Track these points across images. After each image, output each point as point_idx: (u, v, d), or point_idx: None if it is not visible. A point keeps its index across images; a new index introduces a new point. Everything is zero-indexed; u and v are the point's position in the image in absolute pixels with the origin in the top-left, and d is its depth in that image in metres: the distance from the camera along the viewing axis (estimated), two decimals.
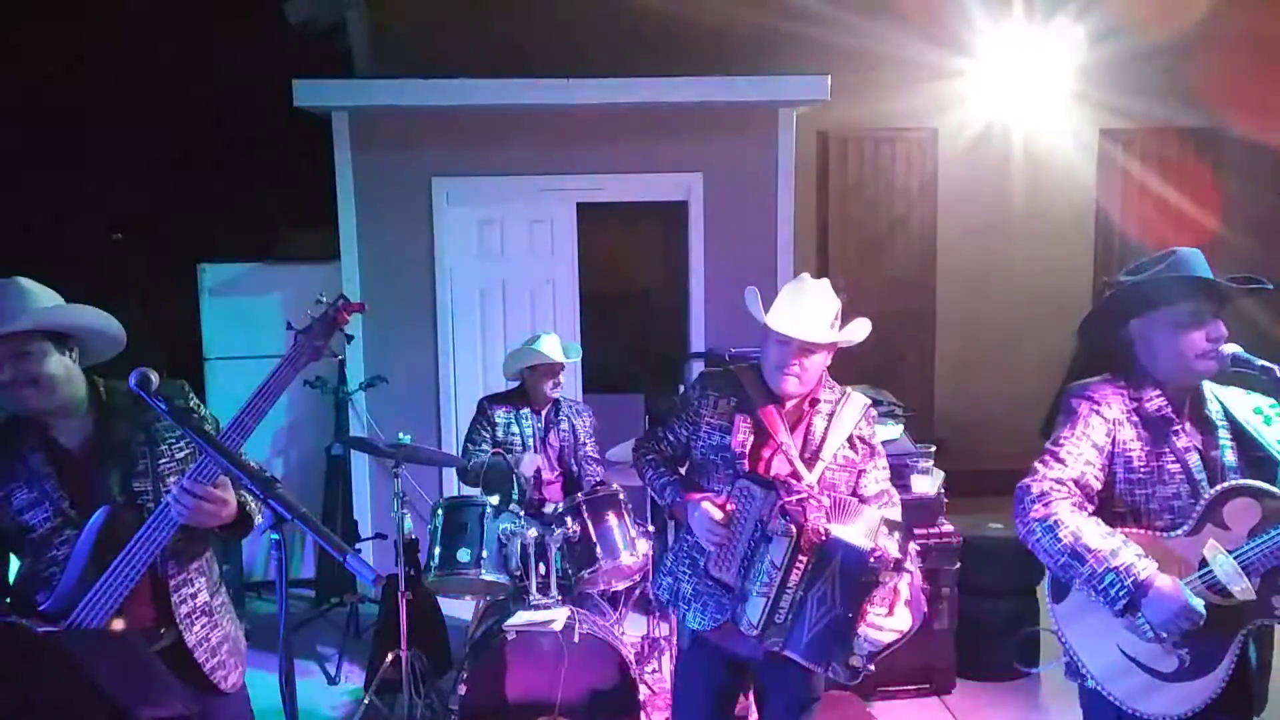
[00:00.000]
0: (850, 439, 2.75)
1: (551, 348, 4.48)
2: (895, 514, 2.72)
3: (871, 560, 2.48)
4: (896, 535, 2.55)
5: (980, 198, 7.42)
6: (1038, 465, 2.45)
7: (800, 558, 2.54)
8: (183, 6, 7.44)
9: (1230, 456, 2.40)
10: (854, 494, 2.75)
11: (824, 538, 2.53)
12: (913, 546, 2.65)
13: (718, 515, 2.65)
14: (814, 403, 2.78)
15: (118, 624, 2.27)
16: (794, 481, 2.64)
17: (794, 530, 2.53)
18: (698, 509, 2.67)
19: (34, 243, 6.96)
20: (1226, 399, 2.47)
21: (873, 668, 2.56)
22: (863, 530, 2.54)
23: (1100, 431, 2.42)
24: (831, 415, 2.76)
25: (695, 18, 6.70)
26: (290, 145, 6.44)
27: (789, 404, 2.76)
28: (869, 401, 2.85)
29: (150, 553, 2.25)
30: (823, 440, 2.73)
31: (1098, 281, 7.60)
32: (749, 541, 2.60)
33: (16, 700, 1.96)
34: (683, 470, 2.94)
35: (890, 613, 2.51)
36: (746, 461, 2.71)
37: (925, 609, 2.66)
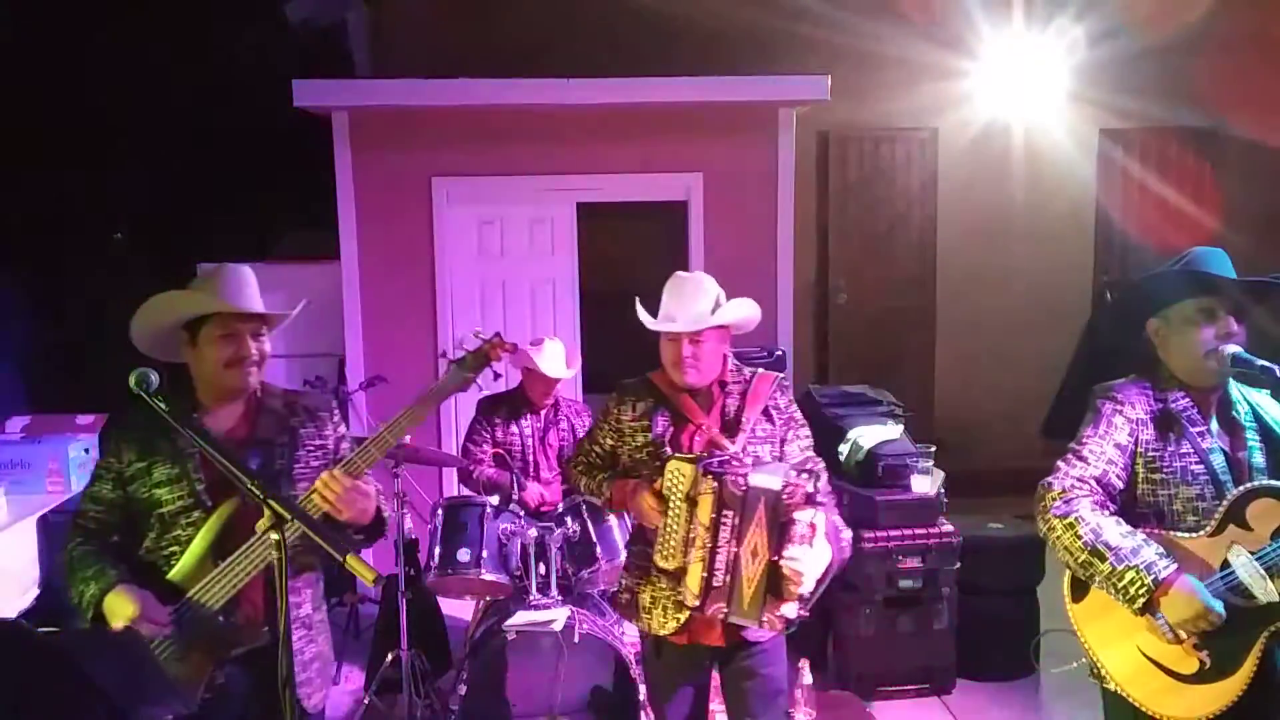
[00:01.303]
0: (766, 411, 2.86)
1: (553, 358, 4.39)
2: (821, 481, 2.82)
3: (784, 497, 2.57)
4: (805, 476, 2.67)
5: (980, 198, 7.42)
6: (1060, 464, 2.47)
7: (726, 512, 2.62)
8: (183, 6, 7.44)
9: (1259, 458, 2.39)
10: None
11: (744, 488, 2.60)
12: (825, 487, 2.76)
13: (652, 496, 2.73)
14: (723, 385, 2.89)
15: (118, 624, 2.27)
16: (717, 451, 2.74)
17: (716, 486, 2.62)
18: (634, 490, 2.78)
19: (35, 242, 6.96)
20: (1257, 401, 2.46)
21: (806, 612, 2.66)
22: (777, 474, 2.64)
23: (1123, 431, 2.42)
24: (744, 393, 2.86)
25: (695, 18, 6.71)
26: (290, 145, 6.44)
27: (699, 392, 2.87)
28: (779, 375, 2.95)
29: (268, 552, 2.25)
30: (738, 414, 2.83)
31: (1098, 281, 7.60)
32: (685, 518, 2.67)
33: (16, 700, 1.96)
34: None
35: (810, 546, 2.58)
36: (669, 448, 2.81)
37: (845, 546, 2.75)
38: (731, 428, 2.81)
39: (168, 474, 2.37)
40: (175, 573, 2.33)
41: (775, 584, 2.58)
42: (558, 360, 4.41)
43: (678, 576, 2.69)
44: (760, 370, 2.95)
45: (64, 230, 7.27)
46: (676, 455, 2.74)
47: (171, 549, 2.36)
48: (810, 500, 2.61)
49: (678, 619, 2.77)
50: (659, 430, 2.83)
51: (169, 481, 2.37)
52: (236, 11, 7.36)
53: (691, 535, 2.64)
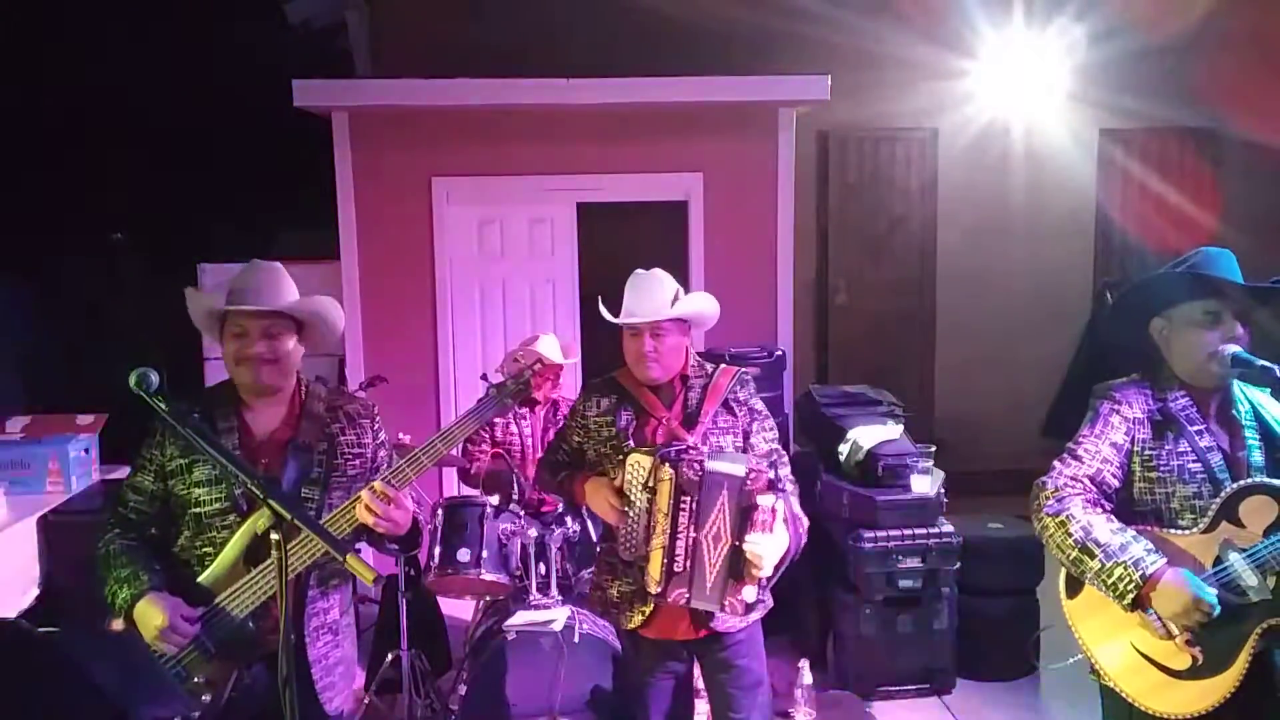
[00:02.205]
0: (727, 403, 2.92)
1: (550, 348, 4.47)
2: (784, 472, 2.88)
3: (748, 483, 2.63)
4: (766, 464, 2.76)
5: (980, 198, 7.42)
6: (1056, 463, 2.50)
7: (684, 498, 2.68)
8: (183, 6, 7.44)
9: (1258, 457, 2.40)
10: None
11: (701, 472, 2.67)
12: (785, 473, 2.84)
13: (610, 492, 2.78)
14: (685, 379, 2.96)
15: (117, 624, 2.27)
16: (676, 441, 2.80)
17: (672, 474, 2.68)
18: (593, 485, 2.84)
19: (35, 242, 6.96)
20: (1259, 401, 2.47)
21: (765, 597, 2.72)
22: (740, 461, 2.71)
23: (1120, 431, 2.45)
24: (705, 387, 2.93)
25: (695, 18, 6.70)
26: (290, 145, 6.44)
27: (662, 384, 2.94)
28: (740, 370, 3.01)
29: (300, 561, 2.29)
30: (699, 407, 2.90)
31: (1098, 281, 7.60)
32: (645, 509, 2.72)
33: (16, 701, 1.96)
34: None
35: (770, 532, 2.62)
36: (632, 442, 2.87)
37: (802, 533, 2.78)
38: (692, 420, 2.88)
39: (208, 474, 2.37)
40: (207, 575, 2.34)
41: (736, 568, 2.64)
42: (555, 349, 4.46)
43: (642, 568, 2.73)
44: (722, 366, 3.02)
45: (64, 230, 7.26)
46: (636, 449, 2.80)
47: (205, 549, 2.36)
48: (772, 486, 2.67)
49: (644, 612, 2.84)
50: (622, 424, 2.90)
51: (208, 482, 2.37)
52: (236, 11, 7.35)
53: (652, 523, 2.70)
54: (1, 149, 6.62)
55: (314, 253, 5.99)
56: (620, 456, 2.83)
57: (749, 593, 2.65)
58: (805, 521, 2.84)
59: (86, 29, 7.33)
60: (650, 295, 2.91)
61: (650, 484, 2.71)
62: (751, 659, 2.94)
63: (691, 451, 2.73)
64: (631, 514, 2.73)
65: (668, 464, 2.69)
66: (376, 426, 2.58)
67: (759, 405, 2.98)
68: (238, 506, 2.36)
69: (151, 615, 2.23)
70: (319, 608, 2.46)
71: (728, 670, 2.91)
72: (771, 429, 2.97)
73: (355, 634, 2.64)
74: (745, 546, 2.61)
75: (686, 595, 2.68)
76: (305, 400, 2.50)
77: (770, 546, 2.61)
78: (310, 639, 2.43)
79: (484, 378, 2.55)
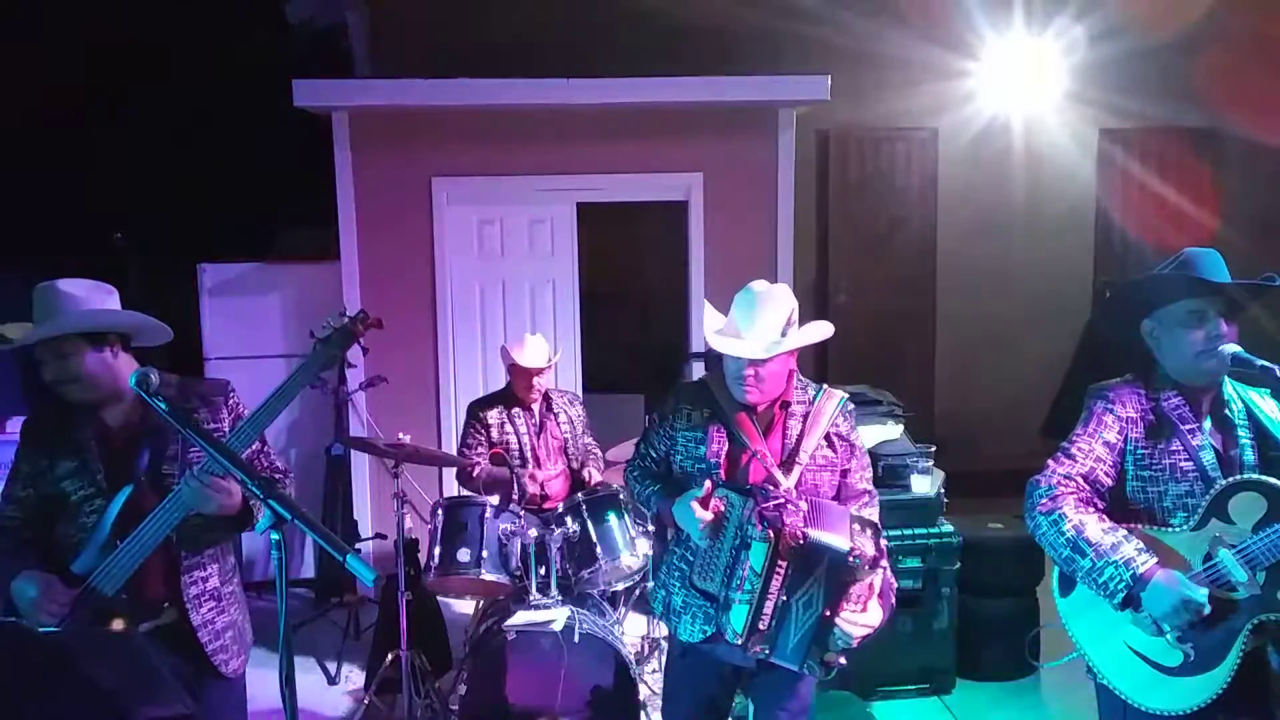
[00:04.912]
0: (828, 437, 2.74)
1: (532, 352, 4.46)
2: (872, 514, 2.72)
3: (851, 560, 2.49)
4: (869, 532, 2.57)
5: (980, 198, 7.42)
6: (1049, 462, 2.51)
7: (780, 563, 2.54)
8: (183, 6, 7.44)
9: (1250, 455, 2.41)
10: (837, 494, 2.75)
11: (802, 541, 2.52)
12: (883, 542, 2.67)
13: (702, 511, 2.61)
14: (786, 405, 2.76)
15: (117, 624, 2.29)
16: (771, 488, 2.63)
17: (772, 536, 2.54)
18: (682, 502, 2.64)
19: (35, 243, 6.96)
20: (1253, 400, 2.48)
21: (844, 661, 2.59)
22: (841, 531, 2.54)
23: (1113, 430, 2.46)
24: (806, 416, 2.75)
25: (695, 18, 6.71)
26: (290, 145, 6.45)
27: (760, 409, 2.75)
28: (845, 397, 2.82)
29: (161, 531, 2.38)
30: (798, 442, 2.72)
31: (1098, 281, 7.60)
32: (730, 550, 2.60)
33: (16, 700, 1.96)
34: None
35: (864, 609, 2.55)
36: (724, 471, 2.70)
37: (893, 602, 2.69)
38: (790, 458, 2.70)
39: (69, 467, 2.48)
40: (80, 560, 2.42)
41: (821, 636, 2.53)
42: (537, 352, 4.47)
43: (718, 601, 2.63)
44: (825, 388, 2.82)
45: (64, 230, 7.27)
46: (728, 484, 2.66)
47: (79, 536, 2.46)
48: (875, 564, 2.54)
49: (705, 630, 2.72)
50: (713, 449, 2.72)
51: (71, 474, 2.48)
52: (237, 11, 7.36)
53: (740, 573, 2.57)
54: (3, 149, 6.63)
55: (314, 253, 5.99)
56: (708, 481, 2.64)
57: (831, 659, 2.56)
58: (894, 585, 2.72)
59: (86, 30, 7.33)
60: (763, 323, 2.66)
61: (745, 535, 2.57)
62: (805, 684, 2.80)
63: (790, 507, 2.56)
64: (716, 548, 2.62)
65: (768, 524, 2.54)
66: (232, 402, 2.63)
67: (858, 440, 2.80)
68: (102, 491, 2.45)
69: (25, 589, 2.34)
70: (196, 576, 2.55)
71: (779, 694, 2.80)
72: (868, 468, 2.83)
73: (243, 602, 2.72)
74: (838, 620, 2.51)
75: (767, 651, 2.58)
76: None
77: (862, 623, 2.53)
78: (191, 606, 2.52)
79: (311, 335, 2.55)
